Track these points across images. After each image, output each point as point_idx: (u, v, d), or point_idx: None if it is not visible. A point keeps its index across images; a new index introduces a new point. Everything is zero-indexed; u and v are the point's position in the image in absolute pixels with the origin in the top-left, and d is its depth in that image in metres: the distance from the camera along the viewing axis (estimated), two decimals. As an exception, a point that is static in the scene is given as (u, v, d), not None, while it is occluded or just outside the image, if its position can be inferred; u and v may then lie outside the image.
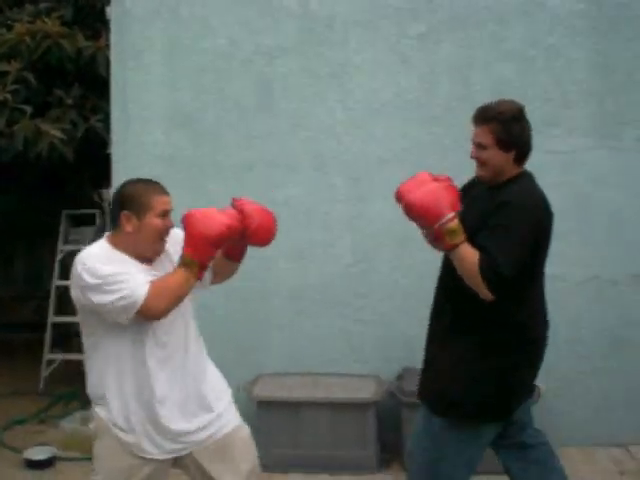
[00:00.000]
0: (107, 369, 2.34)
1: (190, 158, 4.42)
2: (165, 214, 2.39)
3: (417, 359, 4.17)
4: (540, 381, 3.87)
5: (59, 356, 5.53)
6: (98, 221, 4.66)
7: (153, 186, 2.41)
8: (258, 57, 4.35)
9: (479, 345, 2.47)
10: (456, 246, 2.39)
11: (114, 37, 4.50)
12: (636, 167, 4.21)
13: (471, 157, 2.64)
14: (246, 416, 4.09)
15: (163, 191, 2.42)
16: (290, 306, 4.39)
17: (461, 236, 2.38)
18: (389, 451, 4.17)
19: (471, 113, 4.16)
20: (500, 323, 2.44)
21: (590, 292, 4.24)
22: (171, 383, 2.38)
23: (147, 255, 2.38)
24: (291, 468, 3.97)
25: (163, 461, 2.42)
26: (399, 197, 2.56)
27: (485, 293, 2.34)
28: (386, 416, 4.06)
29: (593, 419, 4.27)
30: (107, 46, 4.62)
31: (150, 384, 2.34)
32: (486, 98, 4.18)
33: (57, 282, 5.64)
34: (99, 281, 2.21)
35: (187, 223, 2.35)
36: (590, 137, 4.23)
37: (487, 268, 2.31)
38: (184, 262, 2.30)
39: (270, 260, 4.37)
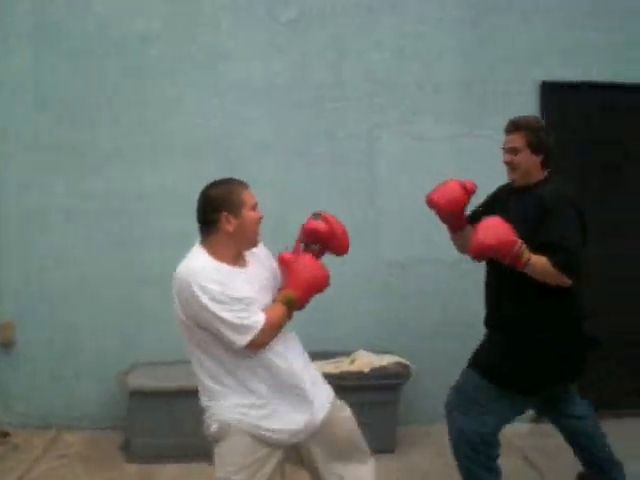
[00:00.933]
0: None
1: (58, 144, 4.30)
2: (256, 206, 2.46)
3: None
4: (411, 360, 4.06)
5: None
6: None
7: (236, 183, 2.46)
8: (128, 41, 4.28)
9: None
10: (528, 261, 2.68)
11: (-20, 19, 4.33)
12: (498, 154, 4.36)
13: (504, 162, 2.97)
14: (120, 406, 4.09)
15: (246, 185, 2.47)
16: (165, 294, 4.32)
17: (528, 252, 2.68)
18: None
19: (341, 99, 4.32)
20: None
21: (459, 274, 4.37)
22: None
23: (246, 250, 2.48)
24: (169, 458, 3.91)
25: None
26: (475, 244, 2.75)
27: (566, 281, 2.71)
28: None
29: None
30: (-27, 28, 4.42)
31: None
32: (356, 86, 4.34)
33: None
34: (223, 305, 2.28)
35: (297, 265, 2.45)
36: (456, 125, 4.38)
37: (558, 261, 2.67)
38: (287, 300, 2.38)
39: (143, 247, 4.32)
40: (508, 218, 2.75)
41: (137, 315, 4.35)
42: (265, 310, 2.34)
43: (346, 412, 2.61)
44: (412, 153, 4.33)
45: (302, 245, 2.62)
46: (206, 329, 2.31)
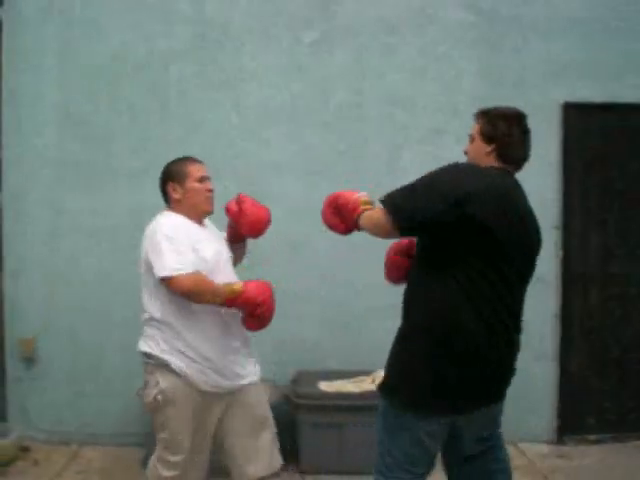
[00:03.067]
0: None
1: (83, 162, 4.36)
2: (202, 179, 2.88)
3: (310, 362, 4.28)
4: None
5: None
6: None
7: (186, 158, 2.93)
8: (152, 61, 4.33)
9: (403, 331, 2.57)
10: (365, 210, 2.58)
11: (6, 39, 4.40)
12: (519, 175, 4.36)
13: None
14: (141, 422, 4.11)
15: (197, 161, 2.93)
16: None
17: (370, 205, 2.60)
18: (285, 454, 4.17)
19: (362, 120, 4.33)
20: (424, 308, 2.46)
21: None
22: None
23: (202, 215, 2.90)
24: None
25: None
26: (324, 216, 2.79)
27: (389, 227, 2.42)
28: (281, 420, 4.06)
29: (483, 418, 4.40)
30: (-1, 48, 4.50)
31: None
32: (378, 106, 4.36)
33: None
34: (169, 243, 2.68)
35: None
36: (477, 145, 4.37)
37: (384, 199, 2.46)
38: (231, 290, 2.72)
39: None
40: None
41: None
42: (203, 274, 2.66)
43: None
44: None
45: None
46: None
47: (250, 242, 4.35)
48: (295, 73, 4.34)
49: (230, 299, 2.68)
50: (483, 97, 4.35)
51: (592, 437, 4.42)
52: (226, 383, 2.79)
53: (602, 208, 4.45)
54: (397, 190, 2.44)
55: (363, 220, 2.57)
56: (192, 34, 4.33)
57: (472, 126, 2.63)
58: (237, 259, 3.13)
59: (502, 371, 2.48)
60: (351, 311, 4.37)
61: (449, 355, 2.35)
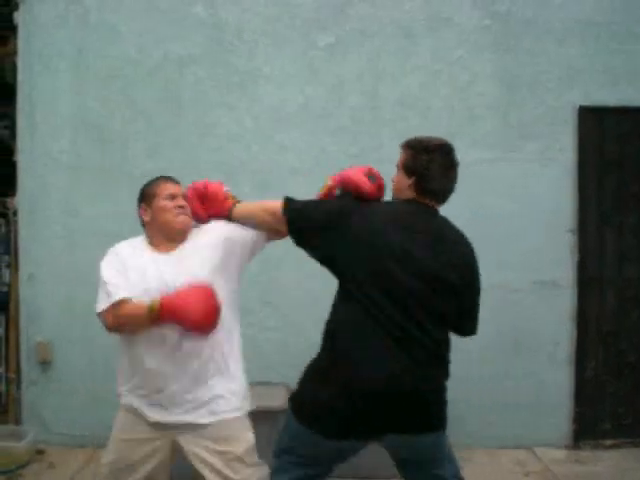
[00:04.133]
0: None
1: (98, 166, 4.37)
2: (172, 197, 2.64)
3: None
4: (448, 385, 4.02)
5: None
6: (3, 230, 4.55)
7: (157, 178, 2.75)
8: (166, 65, 4.34)
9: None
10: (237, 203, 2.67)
11: (21, 43, 4.42)
12: (535, 179, 4.37)
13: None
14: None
15: (166, 179, 2.74)
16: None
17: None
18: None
19: (377, 124, 4.33)
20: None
21: (494, 299, 4.35)
22: None
23: (173, 233, 2.61)
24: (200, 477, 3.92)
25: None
26: None
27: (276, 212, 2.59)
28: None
29: (498, 421, 4.39)
30: (14, 52, 4.52)
31: None
32: (392, 110, 4.35)
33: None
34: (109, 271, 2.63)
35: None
36: (492, 149, 4.37)
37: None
38: (150, 307, 2.41)
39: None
40: None
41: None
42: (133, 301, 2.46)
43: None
44: (447, 177, 4.32)
45: None
46: None
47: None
48: (309, 76, 4.34)
49: (153, 318, 2.40)
50: (498, 101, 4.38)
51: (608, 442, 4.40)
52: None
53: (617, 211, 4.42)
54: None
55: (240, 208, 2.67)
56: (206, 38, 4.34)
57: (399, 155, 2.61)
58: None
59: (403, 403, 2.36)
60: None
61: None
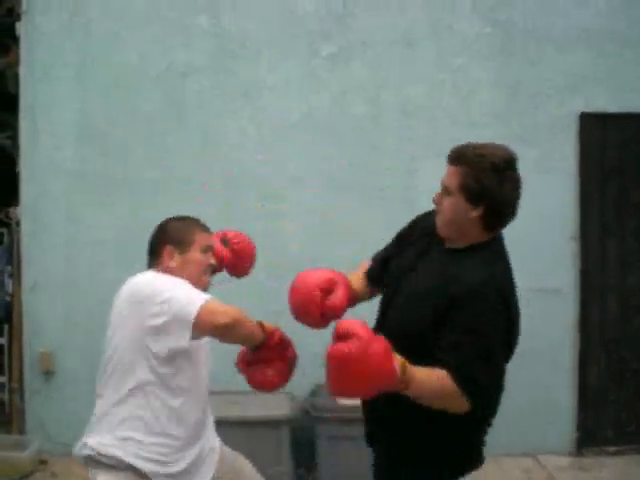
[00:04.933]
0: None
1: (101, 175, 4.37)
2: (207, 250, 2.36)
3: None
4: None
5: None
6: (6, 240, 4.54)
7: (195, 224, 2.41)
8: (169, 74, 4.35)
9: None
10: (412, 378, 1.77)
11: (24, 53, 4.42)
12: (537, 186, 4.36)
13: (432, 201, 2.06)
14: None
15: (205, 228, 2.41)
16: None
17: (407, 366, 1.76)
18: (303, 467, 4.19)
19: (380, 133, 4.34)
20: None
21: (497, 307, 4.37)
22: None
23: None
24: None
25: None
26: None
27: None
28: (300, 432, 4.08)
29: (501, 429, 4.35)
30: (17, 62, 4.52)
31: None
32: (395, 119, 4.36)
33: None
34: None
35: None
36: (495, 157, 4.37)
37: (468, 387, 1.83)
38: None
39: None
40: (415, 278, 2.03)
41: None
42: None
43: None
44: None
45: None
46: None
47: (269, 256, 4.39)
48: (312, 86, 4.36)
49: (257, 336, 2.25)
50: (500, 108, 4.39)
51: (611, 449, 4.40)
52: None
53: (620, 219, 4.44)
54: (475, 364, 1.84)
55: (422, 391, 1.82)
56: (210, 47, 4.35)
57: (446, 172, 2.04)
58: None
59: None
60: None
61: None
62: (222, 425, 3.85)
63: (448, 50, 4.38)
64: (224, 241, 2.50)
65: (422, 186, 4.33)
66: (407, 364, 1.74)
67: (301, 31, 4.35)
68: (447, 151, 4.46)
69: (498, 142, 4.39)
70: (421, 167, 4.34)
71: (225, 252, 2.48)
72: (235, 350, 2.59)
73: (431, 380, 1.80)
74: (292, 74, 4.35)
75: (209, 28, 4.35)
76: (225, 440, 3.84)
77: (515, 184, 1.99)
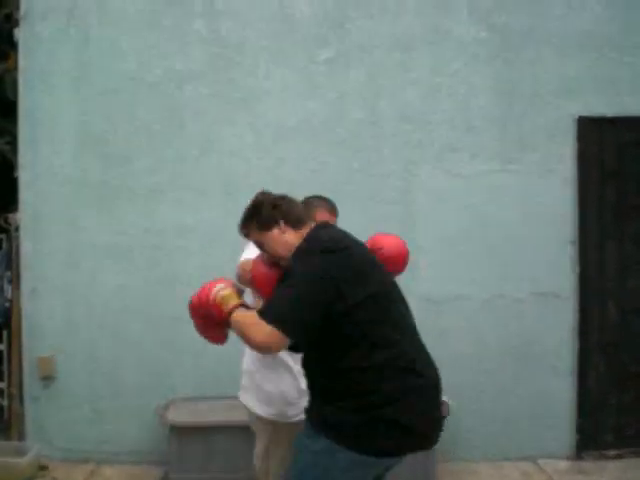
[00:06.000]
0: None
1: (100, 181, 4.38)
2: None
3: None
4: (449, 397, 4.02)
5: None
6: (5, 245, 4.56)
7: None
8: (168, 81, 4.36)
9: None
10: (231, 312, 2.30)
11: (22, 59, 4.44)
12: (535, 190, 4.38)
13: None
14: (159, 440, 4.13)
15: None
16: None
17: (234, 301, 2.32)
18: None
19: (378, 138, 4.35)
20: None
21: (495, 310, 4.38)
22: None
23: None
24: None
25: None
26: None
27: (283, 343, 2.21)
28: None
29: (501, 433, 4.39)
30: (15, 68, 4.54)
31: None
32: (392, 124, 4.37)
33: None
34: None
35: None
36: (492, 161, 4.38)
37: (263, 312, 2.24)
38: None
39: (182, 284, 4.35)
40: None
41: (176, 350, 4.38)
42: None
43: None
44: (448, 190, 4.34)
45: None
46: None
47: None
48: (310, 91, 4.36)
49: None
50: (497, 113, 4.40)
51: (611, 452, 4.39)
52: None
53: (618, 222, 4.43)
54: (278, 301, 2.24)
55: (235, 325, 2.30)
56: (208, 54, 4.36)
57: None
58: None
59: None
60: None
61: None
62: (220, 430, 3.92)
63: (445, 55, 4.38)
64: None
65: (419, 191, 4.36)
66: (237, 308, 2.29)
67: (298, 36, 4.36)
68: (445, 155, 4.53)
69: (495, 146, 4.48)
70: (419, 171, 4.35)
71: None
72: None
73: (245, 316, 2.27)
74: (289, 80, 4.35)
75: (206, 35, 4.36)
76: (223, 445, 3.90)
77: (273, 202, 2.57)
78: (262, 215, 2.47)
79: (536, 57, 4.40)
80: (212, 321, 2.36)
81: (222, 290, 2.33)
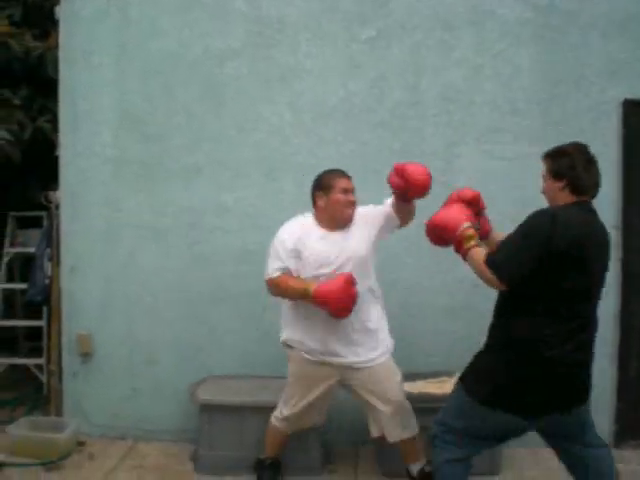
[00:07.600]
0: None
1: (139, 160, 4.40)
2: (345, 191, 3.34)
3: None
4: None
5: (5, 361, 5.41)
6: (45, 223, 4.60)
7: (335, 171, 3.43)
8: (207, 59, 4.35)
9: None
10: (469, 250, 2.80)
11: (63, 37, 4.46)
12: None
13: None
14: (194, 419, 4.14)
15: (343, 175, 3.41)
16: (239, 310, 4.39)
17: (475, 240, 2.81)
18: (333, 453, 4.19)
19: (419, 118, 4.29)
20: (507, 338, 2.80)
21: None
22: None
23: (341, 221, 3.37)
24: (236, 470, 3.93)
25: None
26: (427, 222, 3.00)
27: (494, 283, 2.70)
28: (329, 418, 4.06)
29: (539, 421, 4.33)
30: (56, 46, 4.56)
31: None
32: (434, 104, 4.31)
33: (3, 285, 5.55)
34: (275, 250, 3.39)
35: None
36: (535, 144, 4.29)
37: (490, 260, 2.71)
38: (305, 289, 3.26)
39: (219, 263, 4.37)
40: None
41: (212, 329, 4.41)
42: (291, 276, 3.31)
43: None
44: (490, 171, 4.26)
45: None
46: None
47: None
48: (351, 70, 4.30)
49: (307, 298, 3.21)
50: (541, 95, 4.31)
51: (651, 441, 4.33)
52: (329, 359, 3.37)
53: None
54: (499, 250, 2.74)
55: (470, 261, 2.81)
56: (247, 32, 4.33)
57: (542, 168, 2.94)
58: (402, 221, 3.43)
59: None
60: (419, 312, 4.37)
61: None
62: (249, 410, 3.92)
63: (488, 35, 4.29)
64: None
65: (461, 171, 4.30)
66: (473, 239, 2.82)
67: (339, 15, 4.30)
68: (487, 137, 4.44)
69: (538, 128, 4.38)
70: (460, 152, 4.29)
71: (397, 180, 3.20)
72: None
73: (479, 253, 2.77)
74: (330, 58, 4.31)
75: (247, 13, 4.32)
76: (252, 425, 3.90)
77: (585, 163, 2.86)
78: (562, 164, 2.83)
79: (581, 39, 4.29)
80: (444, 243, 2.97)
81: (467, 230, 2.82)
